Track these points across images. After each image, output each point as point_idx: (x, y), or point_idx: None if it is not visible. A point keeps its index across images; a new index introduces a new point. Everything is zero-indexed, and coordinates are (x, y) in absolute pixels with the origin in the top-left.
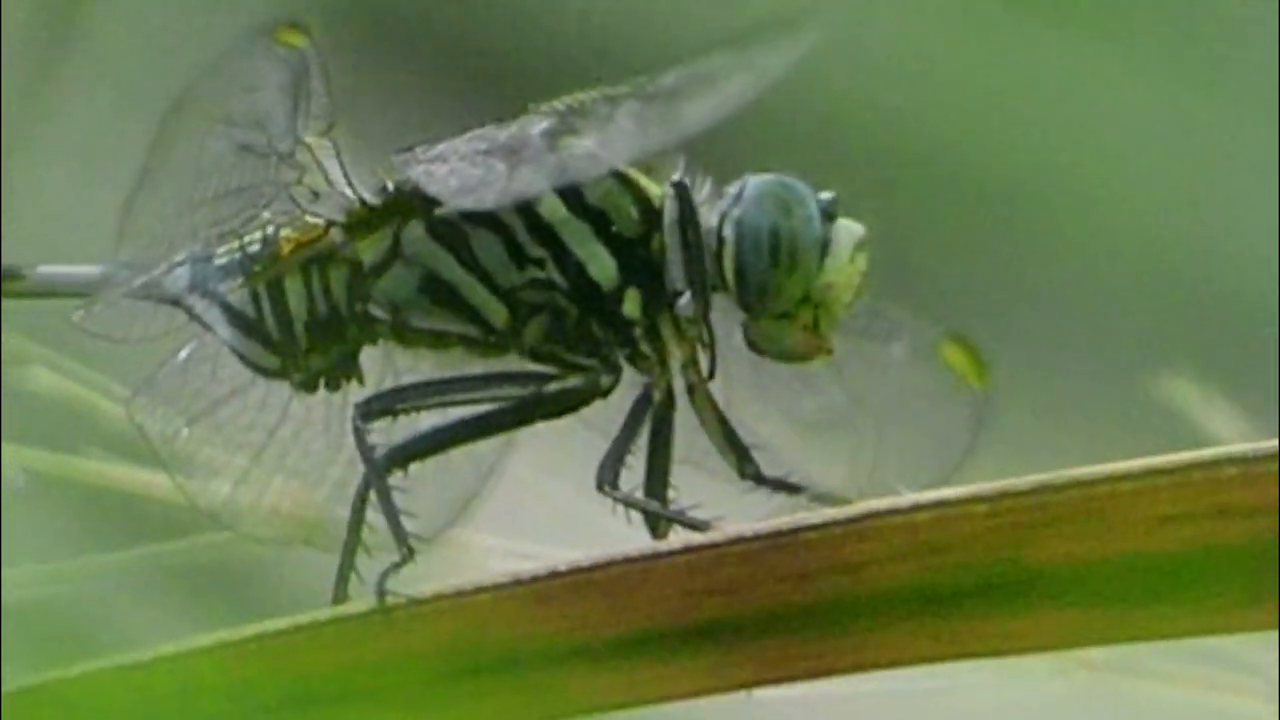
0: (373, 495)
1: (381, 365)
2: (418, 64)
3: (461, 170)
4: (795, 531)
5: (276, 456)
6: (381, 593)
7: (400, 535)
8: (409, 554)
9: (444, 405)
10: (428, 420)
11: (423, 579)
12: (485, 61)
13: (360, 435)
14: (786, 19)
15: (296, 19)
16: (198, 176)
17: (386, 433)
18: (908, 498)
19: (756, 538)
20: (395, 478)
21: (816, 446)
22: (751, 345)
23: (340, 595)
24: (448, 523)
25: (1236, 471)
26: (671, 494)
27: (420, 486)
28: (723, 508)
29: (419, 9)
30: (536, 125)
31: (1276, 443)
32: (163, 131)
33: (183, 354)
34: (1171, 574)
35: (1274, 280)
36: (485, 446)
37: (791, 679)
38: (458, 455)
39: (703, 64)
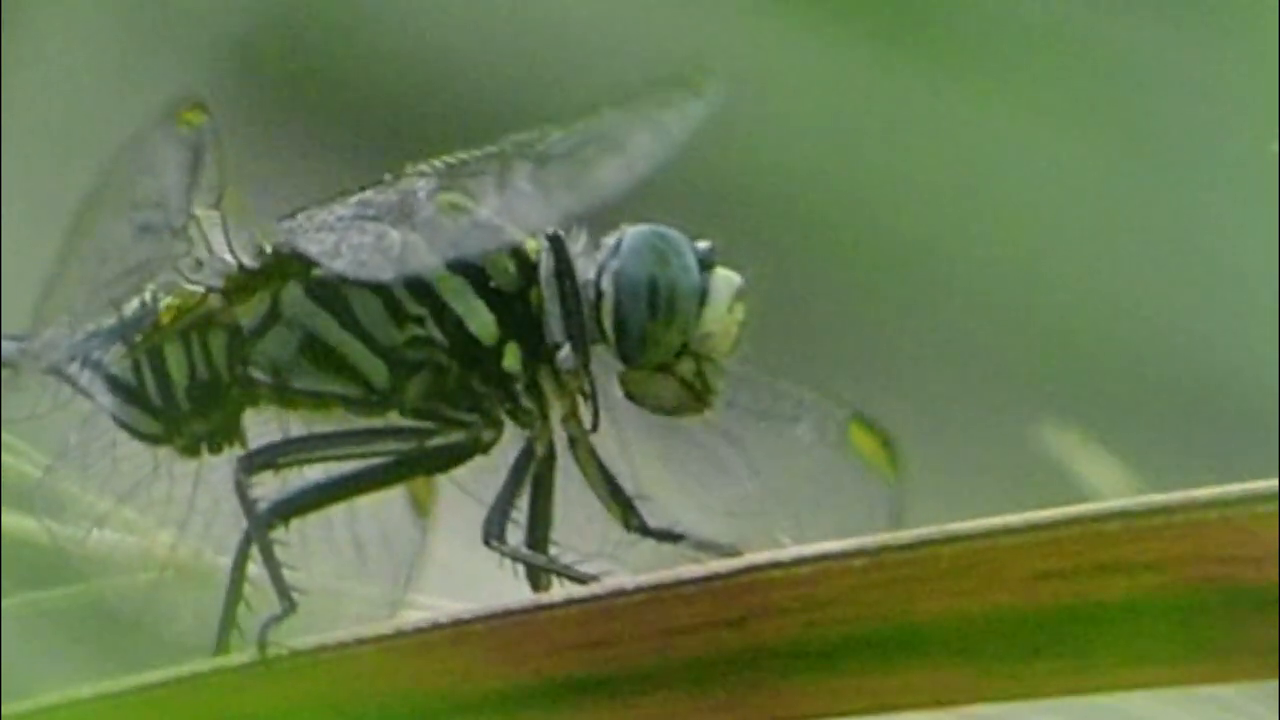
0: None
1: (275, 426)
2: (327, 126)
3: (352, 239)
4: (676, 585)
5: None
6: (263, 644)
7: (282, 588)
8: (291, 606)
9: (326, 460)
10: (311, 474)
11: (304, 630)
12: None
13: (242, 489)
14: (680, 76)
15: (198, 99)
16: (102, 261)
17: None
18: (789, 550)
19: (638, 590)
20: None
21: (724, 528)
22: (630, 397)
23: (222, 646)
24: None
25: (1119, 526)
26: (554, 549)
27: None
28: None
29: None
30: (418, 186)
31: (1158, 498)
32: (73, 222)
33: (73, 438)
34: (1052, 630)
35: (1159, 334)
36: (407, 528)
37: None
38: (379, 545)
39: (597, 123)
